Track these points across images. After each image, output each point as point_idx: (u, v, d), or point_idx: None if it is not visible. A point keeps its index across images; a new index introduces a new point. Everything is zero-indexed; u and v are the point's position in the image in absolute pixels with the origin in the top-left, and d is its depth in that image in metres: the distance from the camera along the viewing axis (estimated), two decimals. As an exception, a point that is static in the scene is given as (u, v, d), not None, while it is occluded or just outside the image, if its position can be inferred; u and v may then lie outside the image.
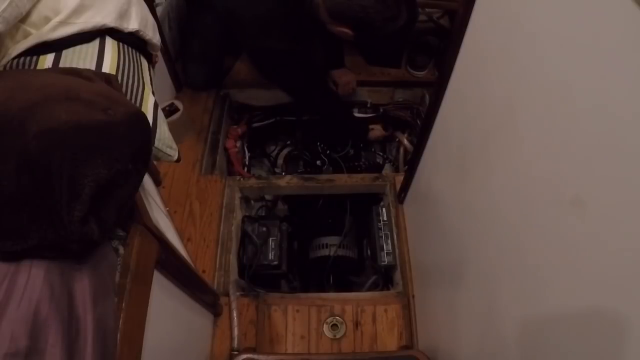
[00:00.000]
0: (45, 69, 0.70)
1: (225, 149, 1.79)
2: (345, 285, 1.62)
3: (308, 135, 1.92)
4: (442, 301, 1.11)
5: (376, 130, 1.81)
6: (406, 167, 1.53)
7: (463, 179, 0.94)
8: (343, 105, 1.79)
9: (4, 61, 0.71)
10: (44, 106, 0.50)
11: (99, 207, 0.52)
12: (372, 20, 1.30)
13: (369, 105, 1.90)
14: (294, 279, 1.65)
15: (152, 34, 0.87)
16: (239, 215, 1.58)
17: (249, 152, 1.89)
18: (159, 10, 1.50)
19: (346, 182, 1.60)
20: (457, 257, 0.98)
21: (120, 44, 0.79)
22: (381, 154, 1.95)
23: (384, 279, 1.55)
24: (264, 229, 1.57)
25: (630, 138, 0.43)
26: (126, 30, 0.80)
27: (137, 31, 0.82)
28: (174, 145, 0.87)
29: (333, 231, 1.61)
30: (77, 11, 0.73)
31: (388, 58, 1.86)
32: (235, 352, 1.21)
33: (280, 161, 1.90)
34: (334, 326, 1.31)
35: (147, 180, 0.84)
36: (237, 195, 1.58)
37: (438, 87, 1.01)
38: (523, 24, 0.64)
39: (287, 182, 1.60)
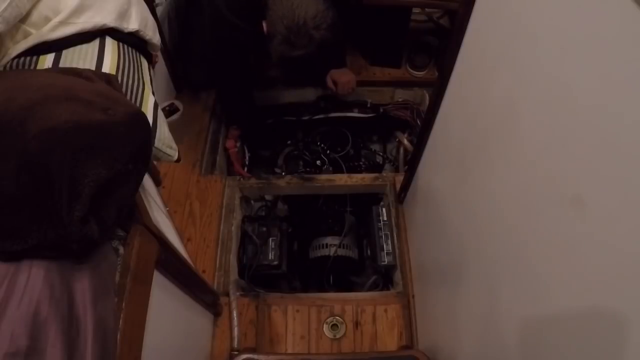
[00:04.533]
0: (45, 69, 0.70)
1: (225, 149, 1.79)
2: (345, 285, 1.63)
3: (308, 135, 1.92)
4: (443, 301, 1.10)
5: None
6: (406, 167, 1.53)
7: (463, 179, 0.94)
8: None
9: (4, 61, 0.71)
10: (44, 106, 0.50)
11: (99, 207, 0.52)
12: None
13: (369, 105, 1.90)
14: (293, 279, 1.65)
15: (152, 34, 0.87)
16: (239, 215, 1.58)
17: (249, 152, 1.89)
18: (159, 10, 1.49)
19: (346, 182, 1.60)
20: (457, 257, 0.98)
21: (120, 44, 0.79)
22: (381, 154, 1.95)
23: (384, 279, 1.55)
24: (264, 229, 1.57)
25: (630, 138, 0.43)
26: (126, 30, 0.80)
27: (137, 31, 0.81)
28: (174, 145, 0.87)
29: (333, 231, 1.61)
30: (77, 11, 0.73)
31: (387, 58, 1.86)
32: (235, 352, 1.21)
33: (280, 161, 1.90)
34: (334, 326, 1.31)
35: (147, 180, 0.84)
36: (237, 195, 1.58)
37: (438, 87, 1.01)
38: (523, 23, 0.64)
39: (287, 182, 1.60)
